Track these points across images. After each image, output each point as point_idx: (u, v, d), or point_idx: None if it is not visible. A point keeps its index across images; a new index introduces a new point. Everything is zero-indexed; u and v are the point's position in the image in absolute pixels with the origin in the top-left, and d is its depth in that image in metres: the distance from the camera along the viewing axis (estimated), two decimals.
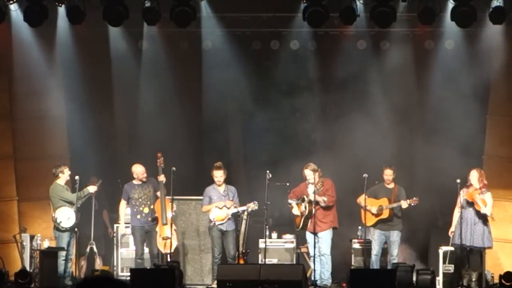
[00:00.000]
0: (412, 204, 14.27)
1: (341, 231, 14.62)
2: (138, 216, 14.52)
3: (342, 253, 15.01)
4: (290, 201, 14.40)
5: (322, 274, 14.22)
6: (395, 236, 14.48)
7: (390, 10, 13.81)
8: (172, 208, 14.53)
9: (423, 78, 15.84)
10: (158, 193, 14.54)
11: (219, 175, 14.50)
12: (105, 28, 15.02)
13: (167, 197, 14.49)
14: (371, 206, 14.46)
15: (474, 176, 14.03)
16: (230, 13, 15.36)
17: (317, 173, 14.15)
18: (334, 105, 15.96)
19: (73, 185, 14.37)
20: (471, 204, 13.98)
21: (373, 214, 14.46)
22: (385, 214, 14.47)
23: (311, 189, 14.17)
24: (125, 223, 15.11)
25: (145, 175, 14.53)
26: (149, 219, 14.51)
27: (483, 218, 14.03)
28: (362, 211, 14.60)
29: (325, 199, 14.05)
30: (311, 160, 14.50)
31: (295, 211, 14.31)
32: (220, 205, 14.44)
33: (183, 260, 15.24)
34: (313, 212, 14.11)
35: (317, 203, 14.09)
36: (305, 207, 14.17)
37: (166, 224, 14.46)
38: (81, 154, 15.55)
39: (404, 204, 14.27)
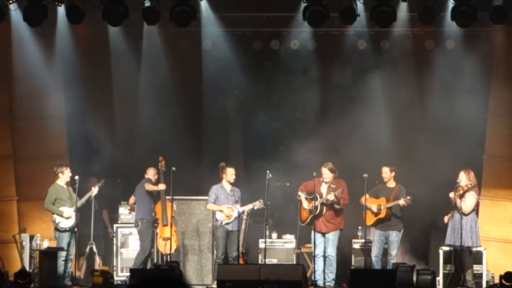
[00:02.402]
0: (406, 203, 14.26)
1: (341, 231, 14.63)
2: (153, 214, 14.58)
3: (342, 253, 15.00)
4: (300, 193, 14.36)
5: (326, 276, 14.20)
6: (394, 236, 14.46)
7: (390, 10, 13.80)
8: (172, 209, 14.53)
9: (423, 78, 15.83)
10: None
11: (233, 172, 14.49)
12: (105, 28, 15.00)
13: (167, 197, 14.50)
14: (371, 205, 14.45)
15: (462, 177, 14.06)
16: (230, 13, 15.35)
17: (333, 174, 14.18)
18: (334, 105, 15.95)
19: (73, 185, 14.37)
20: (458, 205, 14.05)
21: (373, 213, 14.45)
22: (383, 214, 14.46)
23: (324, 187, 14.19)
24: (125, 223, 15.14)
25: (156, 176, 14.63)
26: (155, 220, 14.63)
27: (470, 219, 14.06)
28: (364, 211, 14.64)
29: (341, 202, 14.09)
30: (312, 160, 14.49)
31: (305, 204, 14.28)
32: (226, 212, 14.41)
33: (183, 260, 15.22)
34: (323, 212, 14.11)
35: (331, 205, 14.09)
36: (317, 207, 14.14)
37: (166, 225, 14.47)
38: (81, 154, 15.54)
39: (401, 202, 14.28)
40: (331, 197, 13.99)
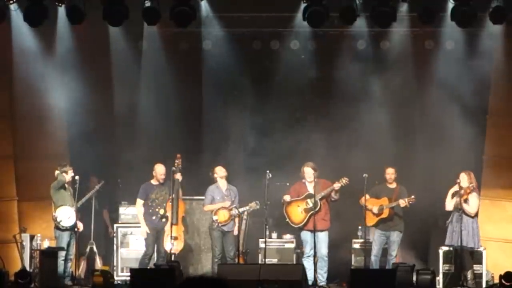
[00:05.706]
0: (410, 203, 14.28)
1: (341, 231, 14.62)
2: (154, 217, 14.51)
3: (342, 253, 15.00)
4: (285, 196, 14.35)
5: (321, 276, 14.21)
6: (395, 236, 14.49)
7: (390, 10, 13.81)
8: (183, 208, 14.54)
9: (423, 78, 15.84)
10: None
11: (222, 168, 14.52)
12: (105, 28, 15.01)
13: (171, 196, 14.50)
14: (373, 206, 14.46)
15: (463, 178, 14.09)
16: (230, 13, 15.35)
17: (316, 172, 14.21)
18: (334, 105, 15.96)
19: (73, 185, 14.38)
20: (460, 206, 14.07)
21: (374, 214, 14.46)
22: (385, 214, 14.48)
23: (310, 187, 14.21)
24: (126, 223, 15.14)
25: (163, 176, 14.54)
26: (163, 220, 14.52)
27: (472, 220, 14.09)
28: (365, 211, 14.65)
29: (338, 195, 14.21)
30: (312, 160, 14.50)
31: (299, 209, 14.29)
32: (226, 205, 14.43)
33: (183, 259, 15.21)
34: (321, 207, 14.14)
35: (328, 198, 14.19)
36: (316, 202, 14.13)
37: (176, 224, 14.45)
38: (81, 154, 15.54)
39: (402, 202, 14.30)
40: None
